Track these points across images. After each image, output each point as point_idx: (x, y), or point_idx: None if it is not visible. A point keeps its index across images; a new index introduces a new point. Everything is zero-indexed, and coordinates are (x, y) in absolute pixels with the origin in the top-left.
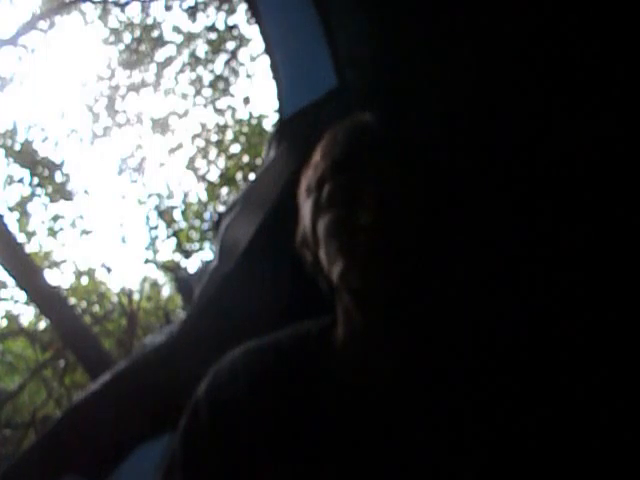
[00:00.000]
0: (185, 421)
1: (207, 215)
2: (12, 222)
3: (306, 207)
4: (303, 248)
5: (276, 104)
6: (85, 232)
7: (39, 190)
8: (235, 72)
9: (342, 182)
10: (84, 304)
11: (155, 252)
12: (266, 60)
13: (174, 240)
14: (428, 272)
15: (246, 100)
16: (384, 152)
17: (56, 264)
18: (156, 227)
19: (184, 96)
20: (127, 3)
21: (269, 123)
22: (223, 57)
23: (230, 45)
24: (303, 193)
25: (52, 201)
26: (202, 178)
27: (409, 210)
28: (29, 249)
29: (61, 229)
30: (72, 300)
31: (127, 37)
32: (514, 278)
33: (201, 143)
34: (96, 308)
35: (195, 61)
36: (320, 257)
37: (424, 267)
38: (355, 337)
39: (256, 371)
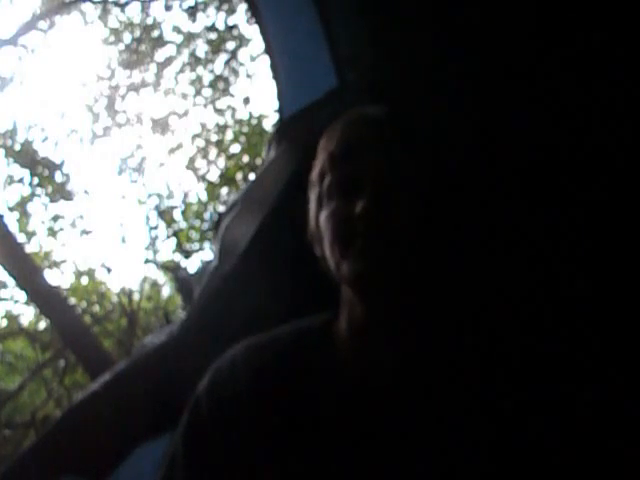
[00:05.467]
0: (186, 418)
1: (207, 215)
2: (12, 222)
3: (311, 201)
4: (312, 242)
5: (276, 104)
6: (85, 232)
7: (39, 190)
8: (235, 72)
9: (339, 173)
10: (84, 304)
11: (155, 252)
12: (266, 60)
13: (174, 240)
14: (427, 260)
15: (246, 100)
16: (379, 142)
17: (56, 264)
18: (156, 227)
19: (184, 96)
20: (127, 3)
21: (269, 123)
22: (223, 57)
23: (230, 45)
24: (309, 188)
25: (52, 201)
26: (202, 178)
27: (406, 198)
28: (29, 249)
29: (61, 229)
30: (72, 300)
31: (127, 37)
32: (516, 267)
33: (201, 143)
34: (96, 308)
35: (195, 61)
36: (325, 250)
37: (423, 255)
38: (356, 330)
39: (256, 367)
